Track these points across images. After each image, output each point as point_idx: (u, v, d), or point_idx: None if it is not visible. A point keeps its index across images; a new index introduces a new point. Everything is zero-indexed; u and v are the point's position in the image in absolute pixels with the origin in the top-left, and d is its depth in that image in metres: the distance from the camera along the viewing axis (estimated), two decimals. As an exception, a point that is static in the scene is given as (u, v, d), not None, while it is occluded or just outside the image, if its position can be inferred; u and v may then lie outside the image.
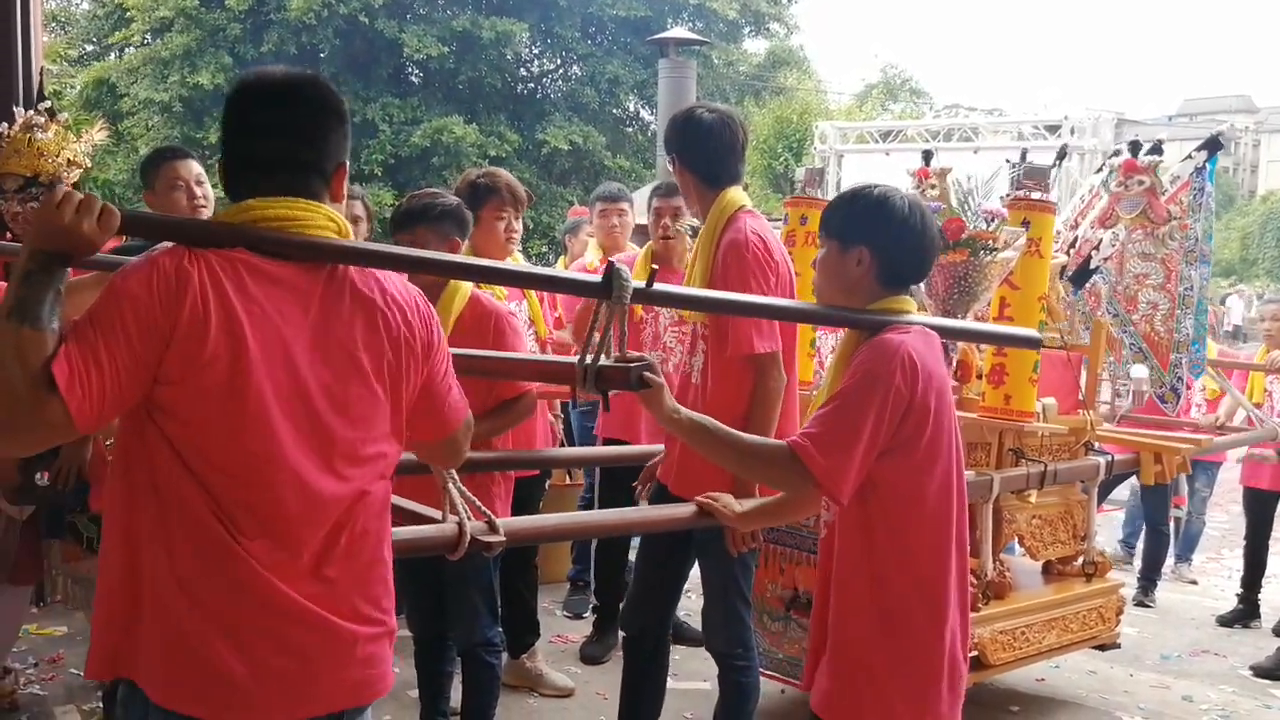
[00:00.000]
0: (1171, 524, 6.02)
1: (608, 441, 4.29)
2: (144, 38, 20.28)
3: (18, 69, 4.33)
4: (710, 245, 2.87)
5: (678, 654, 3.94)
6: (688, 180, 2.95)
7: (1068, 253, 4.19)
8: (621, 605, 3.31)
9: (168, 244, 1.57)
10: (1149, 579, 5.68)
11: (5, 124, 3.28)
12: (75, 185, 3.25)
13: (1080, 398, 4.02)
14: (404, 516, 2.22)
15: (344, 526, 1.61)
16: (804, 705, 2.30)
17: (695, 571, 3.09)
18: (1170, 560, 6.08)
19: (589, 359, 2.06)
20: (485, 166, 4.12)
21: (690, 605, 4.41)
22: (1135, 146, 4.22)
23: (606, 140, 21.01)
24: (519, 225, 3.59)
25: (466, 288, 2.96)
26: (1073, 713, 4.11)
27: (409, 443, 1.78)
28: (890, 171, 10.35)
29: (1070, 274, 4.20)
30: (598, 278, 2.01)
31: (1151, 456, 4.17)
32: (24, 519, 3.20)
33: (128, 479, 1.55)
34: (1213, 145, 4.17)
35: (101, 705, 3.50)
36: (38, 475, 3.02)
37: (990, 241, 3.27)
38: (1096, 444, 3.95)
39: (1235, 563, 5.88)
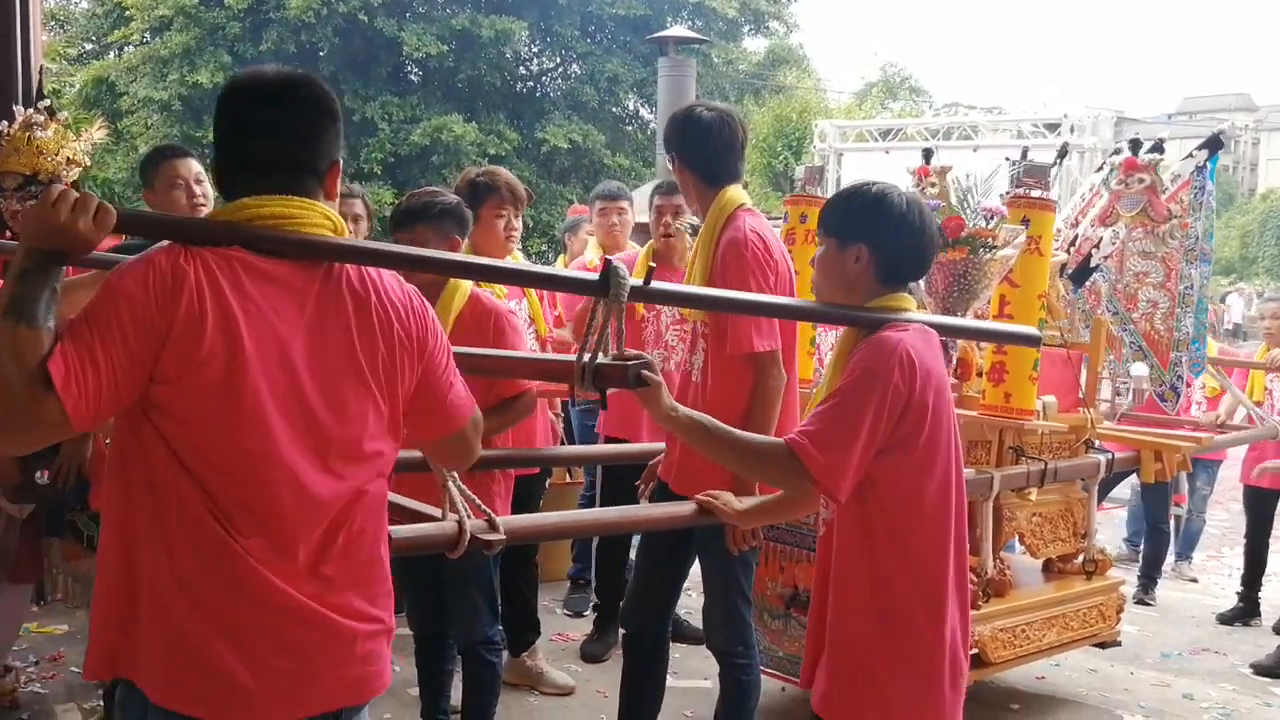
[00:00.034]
0: (1172, 522, 6.02)
1: (609, 439, 4.29)
2: (143, 36, 20.30)
3: (17, 67, 4.32)
4: (710, 243, 2.86)
5: (678, 652, 3.93)
6: (687, 179, 2.94)
7: (1068, 251, 4.18)
8: (622, 603, 3.31)
9: (165, 243, 1.57)
10: (1149, 577, 5.68)
11: (5, 122, 3.28)
12: (75, 184, 3.24)
13: (1080, 396, 4.02)
14: (404, 515, 2.22)
15: (341, 525, 1.60)
16: (804, 703, 2.29)
17: (696, 569, 3.08)
18: (1171, 558, 6.07)
19: (587, 357, 2.06)
20: (485, 165, 4.13)
21: (691, 603, 4.41)
22: (1136, 145, 4.21)
23: (606, 139, 21.03)
24: (519, 224, 3.60)
25: (466, 286, 2.95)
26: (1073, 711, 4.11)
27: (417, 443, 1.77)
28: (890, 170, 10.34)
29: (1070, 272, 4.19)
30: (596, 276, 2.01)
31: (1152, 454, 4.17)
32: (24, 517, 3.20)
33: (124, 477, 1.55)
34: (1214, 144, 4.17)
35: (102, 704, 3.50)
36: (38, 473, 3.02)
37: (990, 239, 3.26)
38: (1097, 442, 3.95)
39: (1236, 561, 5.87)
